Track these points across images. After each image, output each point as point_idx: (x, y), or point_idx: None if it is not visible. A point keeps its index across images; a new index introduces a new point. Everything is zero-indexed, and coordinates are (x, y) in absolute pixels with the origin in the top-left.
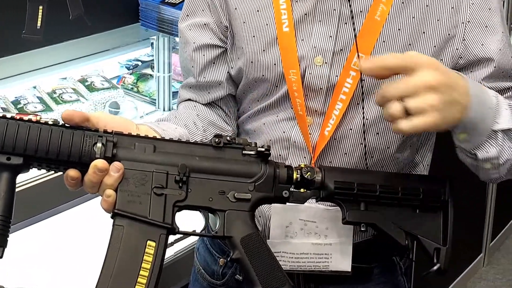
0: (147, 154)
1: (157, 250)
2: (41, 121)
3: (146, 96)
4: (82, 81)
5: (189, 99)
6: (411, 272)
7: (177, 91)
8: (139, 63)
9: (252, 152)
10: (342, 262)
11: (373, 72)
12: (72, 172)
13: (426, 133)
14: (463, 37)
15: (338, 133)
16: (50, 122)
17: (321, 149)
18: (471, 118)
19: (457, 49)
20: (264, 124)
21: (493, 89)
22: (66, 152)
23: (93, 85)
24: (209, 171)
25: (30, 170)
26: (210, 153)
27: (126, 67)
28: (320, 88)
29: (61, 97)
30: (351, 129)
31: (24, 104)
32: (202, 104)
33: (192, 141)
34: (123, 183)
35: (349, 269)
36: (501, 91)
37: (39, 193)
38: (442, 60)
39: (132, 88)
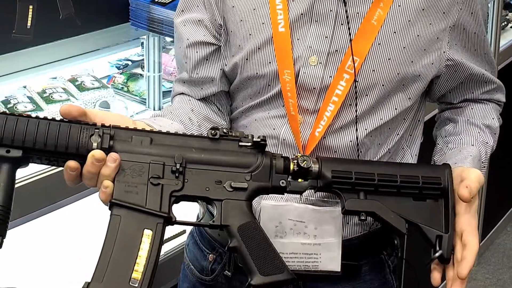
0: (144, 146)
1: (153, 239)
2: (39, 117)
3: (136, 96)
4: (72, 80)
5: (182, 93)
6: (400, 270)
7: (168, 91)
8: (129, 62)
9: (249, 144)
10: (332, 262)
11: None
12: (72, 163)
13: (414, 135)
14: (449, 40)
15: (328, 133)
16: (48, 118)
17: (312, 149)
18: None
19: (444, 52)
20: (255, 120)
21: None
22: (63, 144)
23: (83, 84)
24: (206, 162)
25: (30, 164)
26: (207, 145)
27: (116, 66)
28: (314, 88)
29: (52, 96)
30: (342, 129)
31: (14, 104)
32: (196, 99)
33: (189, 134)
34: (120, 174)
35: (339, 269)
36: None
37: (38, 189)
38: (430, 61)
39: (122, 87)
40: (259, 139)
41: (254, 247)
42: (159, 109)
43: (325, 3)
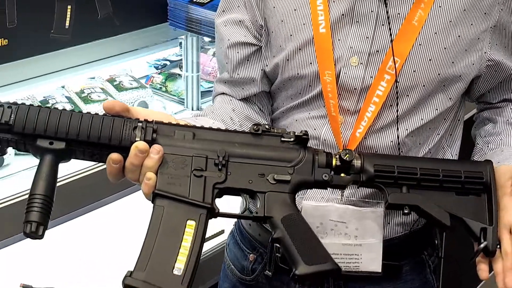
0: (187, 140)
1: (197, 230)
2: (82, 111)
3: (175, 96)
4: (111, 80)
5: (223, 93)
6: (440, 270)
7: (206, 91)
8: (168, 62)
9: (291, 139)
10: (372, 263)
11: None
12: (115, 155)
13: (454, 135)
14: (490, 40)
15: (369, 133)
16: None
17: (353, 149)
18: None
19: (486, 53)
20: (296, 120)
21: None
22: (107, 135)
23: (122, 84)
24: (249, 156)
25: (74, 162)
26: (249, 140)
27: (154, 66)
28: (354, 89)
29: (90, 96)
30: (383, 130)
31: (53, 104)
32: (237, 99)
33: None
34: (163, 166)
35: (380, 270)
36: None
37: (80, 187)
38: (471, 62)
39: (160, 87)
40: (301, 134)
41: (298, 238)
42: (197, 109)
43: (366, 3)
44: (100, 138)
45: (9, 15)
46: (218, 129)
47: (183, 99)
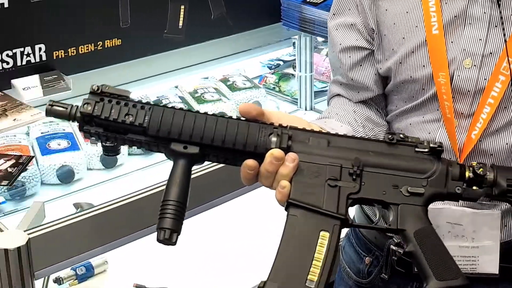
0: (321, 148)
1: (330, 241)
2: (215, 114)
3: (288, 96)
4: (224, 80)
5: (339, 94)
6: None
7: (319, 91)
8: (281, 62)
9: (425, 150)
10: (489, 265)
11: None
12: (251, 162)
13: None
14: None
15: (484, 136)
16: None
17: (467, 153)
18: None
19: None
20: (410, 124)
21: None
22: (242, 142)
23: (235, 84)
24: (383, 166)
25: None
26: (383, 149)
27: (268, 66)
28: (468, 91)
29: (203, 96)
30: (498, 132)
31: (166, 104)
32: (353, 102)
33: (366, 137)
34: (298, 174)
35: (496, 272)
36: None
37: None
38: None
39: (273, 87)
40: (435, 146)
41: (430, 252)
42: (311, 109)
43: (479, 5)
44: (235, 144)
45: (123, 15)
46: (352, 137)
47: (296, 99)
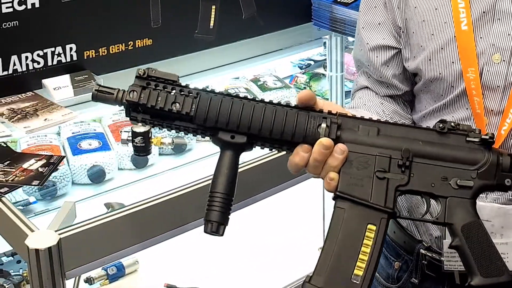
0: (371, 137)
1: (377, 234)
2: (264, 100)
3: (319, 96)
4: (255, 80)
5: (367, 87)
6: None
7: (350, 91)
8: (312, 62)
9: (476, 139)
10: None
11: None
12: (303, 153)
13: None
14: None
15: None
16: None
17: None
18: None
19: None
20: None
21: None
22: (290, 132)
23: (266, 84)
24: (432, 156)
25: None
26: (434, 138)
27: (298, 66)
28: (497, 86)
29: None
30: None
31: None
32: (380, 95)
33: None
34: (346, 166)
35: None
36: None
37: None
38: None
39: (304, 87)
40: (487, 137)
41: (477, 248)
42: None
43: (508, 0)
44: (283, 134)
45: (154, 15)
46: (402, 125)
47: (327, 99)
